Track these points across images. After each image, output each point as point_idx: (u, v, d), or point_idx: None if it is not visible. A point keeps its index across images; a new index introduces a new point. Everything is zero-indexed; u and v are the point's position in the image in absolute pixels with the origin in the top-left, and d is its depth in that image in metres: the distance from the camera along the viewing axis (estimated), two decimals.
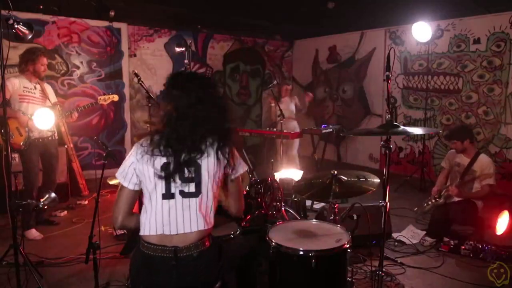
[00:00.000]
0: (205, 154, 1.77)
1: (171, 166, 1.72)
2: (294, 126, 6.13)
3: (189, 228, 1.75)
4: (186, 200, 1.75)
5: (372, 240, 3.52)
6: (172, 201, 1.75)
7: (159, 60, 6.77)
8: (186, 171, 1.74)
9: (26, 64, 3.83)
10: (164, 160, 1.73)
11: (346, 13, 6.80)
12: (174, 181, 1.73)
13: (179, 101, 1.76)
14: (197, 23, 7.15)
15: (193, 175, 1.75)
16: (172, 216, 1.74)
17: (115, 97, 4.33)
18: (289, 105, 6.05)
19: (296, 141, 6.15)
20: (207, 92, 1.81)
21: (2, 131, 2.85)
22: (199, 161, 1.76)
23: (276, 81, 5.56)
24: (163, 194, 1.74)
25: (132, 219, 1.82)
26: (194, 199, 1.76)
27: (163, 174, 1.72)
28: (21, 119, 3.78)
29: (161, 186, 1.74)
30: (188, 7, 6.58)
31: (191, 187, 1.76)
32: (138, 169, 1.75)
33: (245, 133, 6.18)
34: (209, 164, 1.77)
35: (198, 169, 1.76)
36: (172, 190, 1.74)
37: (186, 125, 1.74)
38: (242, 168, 1.93)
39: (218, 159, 1.79)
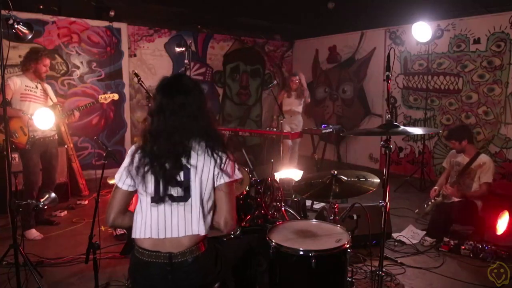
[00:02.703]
0: (195, 159, 1.75)
1: (160, 170, 1.73)
2: (299, 120, 6.12)
3: (177, 233, 1.74)
4: (175, 204, 1.75)
5: (372, 240, 3.53)
6: (161, 204, 1.75)
7: (159, 60, 6.76)
8: (175, 175, 1.74)
9: (29, 63, 3.86)
10: (153, 164, 1.74)
11: (346, 13, 6.81)
12: (164, 185, 1.73)
13: (164, 108, 1.76)
14: (197, 23, 7.15)
15: (182, 179, 1.74)
16: (161, 219, 1.74)
17: (116, 96, 4.45)
18: (295, 100, 6.04)
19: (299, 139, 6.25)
20: (190, 99, 1.78)
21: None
22: (188, 165, 1.74)
23: (276, 81, 5.55)
24: (152, 198, 1.75)
25: (125, 219, 1.83)
26: (183, 203, 1.75)
27: (152, 178, 1.74)
28: (23, 118, 3.80)
29: (150, 190, 1.75)
30: (188, 7, 6.59)
31: (180, 191, 1.75)
32: (131, 171, 1.76)
33: (245, 133, 6.18)
34: (197, 168, 1.75)
35: (187, 173, 1.74)
36: (161, 194, 1.74)
37: (176, 131, 1.74)
38: (235, 174, 1.82)
39: (210, 162, 1.76)
